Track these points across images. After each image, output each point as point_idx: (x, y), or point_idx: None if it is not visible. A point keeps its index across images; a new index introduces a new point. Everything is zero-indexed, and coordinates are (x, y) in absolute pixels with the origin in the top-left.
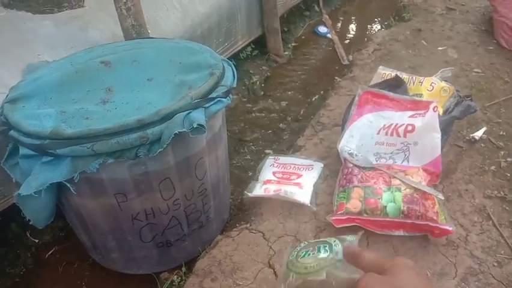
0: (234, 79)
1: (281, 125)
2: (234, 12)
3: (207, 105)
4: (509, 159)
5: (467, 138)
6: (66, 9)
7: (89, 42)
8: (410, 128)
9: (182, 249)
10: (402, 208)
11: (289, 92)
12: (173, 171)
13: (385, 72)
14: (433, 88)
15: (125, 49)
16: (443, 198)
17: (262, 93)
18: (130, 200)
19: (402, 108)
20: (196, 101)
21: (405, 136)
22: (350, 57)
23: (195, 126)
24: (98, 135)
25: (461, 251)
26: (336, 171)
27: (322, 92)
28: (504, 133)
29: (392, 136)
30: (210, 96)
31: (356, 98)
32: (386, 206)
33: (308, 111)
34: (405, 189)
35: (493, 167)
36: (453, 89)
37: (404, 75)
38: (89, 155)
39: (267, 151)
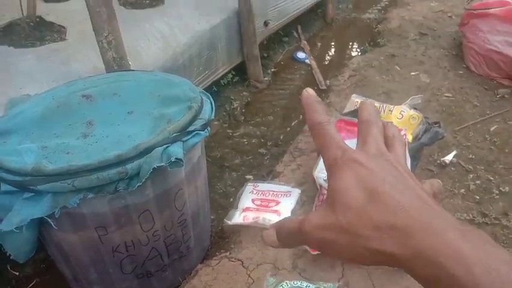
0: (211, 111)
1: (261, 150)
2: (215, 42)
3: (185, 138)
4: (478, 181)
5: (438, 162)
6: (48, 43)
7: (71, 75)
8: None
9: (163, 279)
10: None
11: (269, 117)
12: (153, 204)
13: (358, 100)
14: (402, 116)
15: (106, 82)
16: None
17: (243, 118)
18: (111, 233)
19: None
20: (174, 135)
21: None
22: (327, 82)
23: (172, 160)
24: (79, 171)
25: None
26: (313, 197)
27: (301, 116)
28: (473, 156)
29: None
30: (188, 129)
31: None
32: None
33: (287, 136)
34: None
35: (462, 190)
36: (421, 117)
37: (375, 104)
38: (70, 191)
39: (248, 177)
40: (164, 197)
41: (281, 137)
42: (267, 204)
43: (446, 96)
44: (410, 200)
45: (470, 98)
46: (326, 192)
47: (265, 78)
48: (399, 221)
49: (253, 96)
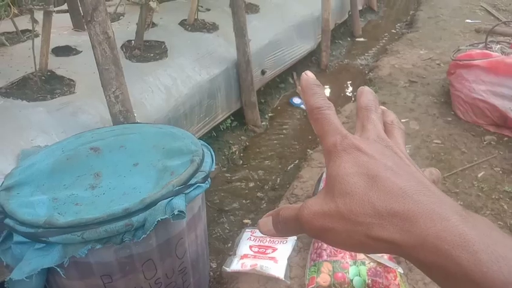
0: (212, 164)
1: (259, 194)
2: (214, 91)
3: (187, 191)
4: None
5: None
6: (58, 96)
7: (80, 126)
8: None
9: None
10: (367, 281)
11: (267, 161)
12: (156, 253)
13: None
14: None
15: (113, 134)
16: (402, 271)
17: (241, 162)
18: (115, 281)
19: None
20: (177, 188)
21: None
22: None
23: (175, 213)
24: (88, 224)
25: None
26: (309, 243)
27: (296, 161)
28: (461, 202)
29: None
30: (190, 182)
31: (324, 175)
32: (352, 280)
33: (284, 180)
34: (369, 263)
35: None
36: None
37: None
38: (80, 242)
39: (245, 221)
40: (166, 246)
41: (278, 181)
42: (264, 251)
43: (435, 142)
44: (413, 186)
45: (458, 145)
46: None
47: (263, 123)
48: (401, 207)
49: (251, 140)
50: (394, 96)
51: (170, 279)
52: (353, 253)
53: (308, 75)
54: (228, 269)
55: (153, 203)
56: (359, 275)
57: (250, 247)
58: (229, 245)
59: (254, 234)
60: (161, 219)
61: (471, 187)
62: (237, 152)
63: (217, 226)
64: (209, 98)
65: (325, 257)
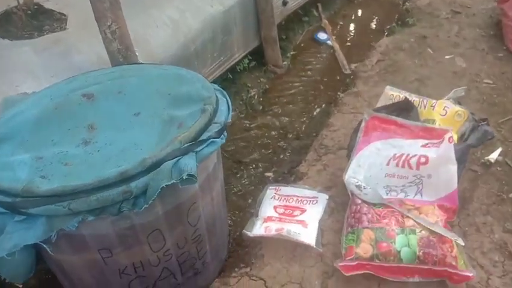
0: (228, 113)
1: (281, 143)
2: (229, 25)
3: (198, 149)
4: None
5: (482, 161)
6: (47, 33)
7: (72, 68)
8: (423, 159)
9: None
10: (418, 253)
11: (289, 106)
12: (163, 222)
13: (393, 93)
14: (446, 113)
15: (110, 78)
16: (463, 244)
17: (260, 107)
18: (116, 255)
19: (413, 136)
20: (186, 145)
21: (418, 168)
22: (352, 66)
23: (184, 178)
24: (76, 192)
25: None
26: (343, 203)
27: (324, 105)
28: None
29: (403, 168)
30: (202, 137)
31: (363, 124)
32: (400, 251)
33: (310, 128)
34: (420, 231)
35: (511, 195)
36: (468, 113)
37: (414, 98)
38: (66, 214)
39: (267, 174)
40: (176, 213)
41: (302, 129)
42: (291, 213)
43: (485, 82)
44: None
45: None
46: (359, 201)
47: (284, 63)
48: None
49: (272, 82)
50: (436, 29)
51: (183, 249)
52: (400, 218)
53: None
54: (249, 234)
55: (156, 164)
56: (408, 246)
57: (275, 208)
58: (250, 201)
59: (279, 192)
60: (166, 185)
61: None
62: (256, 96)
63: (235, 180)
64: (223, 34)
65: (366, 223)
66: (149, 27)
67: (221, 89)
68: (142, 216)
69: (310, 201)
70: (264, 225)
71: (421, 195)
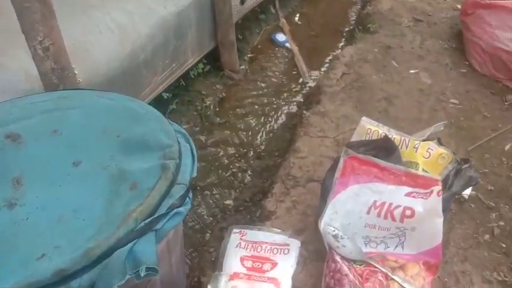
0: (193, 165)
1: (241, 163)
2: (183, 28)
3: (158, 226)
4: (501, 223)
5: (456, 197)
6: None
7: None
8: (408, 212)
9: None
10: None
11: (248, 118)
12: None
13: (370, 128)
14: (430, 155)
15: (42, 110)
16: None
17: (217, 119)
18: None
19: (396, 182)
20: (142, 224)
21: (402, 221)
22: (312, 74)
23: (142, 275)
24: None
25: None
26: (316, 252)
27: (284, 119)
28: (492, 187)
29: (385, 219)
30: (162, 209)
31: (340, 164)
32: None
33: (271, 146)
34: None
35: (486, 236)
36: (451, 156)
37: (394, 135)
38: None
39: (227, 202)
40: None
41: (263, 146)
42: (260, 267)
43: (452, 103)
44: None
45: (479, 106)
46: (338, 259)
47: (242, 67)
48: None
49: (228, 90)
50: (399, 39)
51: None
52: (384, 281)
53: None
54: None
55: (105, 255)
56: None
57: (242, 260)
58: (208, 236)
59: (245, 238)
60: (118, 285)
61: (500, 164)
62: (211, 106)
63: (190, 210)
64: (177, 38)
65: None
66: (90, 33)
67: (182, 131)
68: None
69: (281, 250)
70: (230, 283)
71: (402, 248)
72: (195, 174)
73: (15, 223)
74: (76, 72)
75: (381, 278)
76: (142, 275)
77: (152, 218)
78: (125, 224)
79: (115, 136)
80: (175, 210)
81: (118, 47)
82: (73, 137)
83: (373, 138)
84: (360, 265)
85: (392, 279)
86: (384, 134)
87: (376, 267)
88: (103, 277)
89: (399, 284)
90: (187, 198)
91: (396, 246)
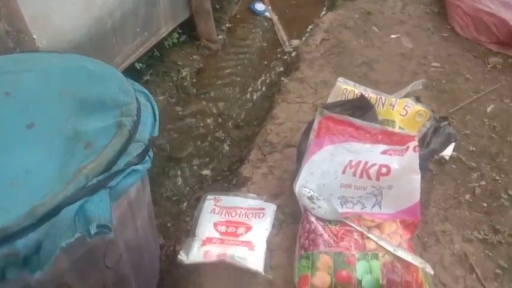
0: (154, 125)
1: (219, 133)
2: None
3: (112, 183)
4: (483, 182)
5: (436, 158)
6: None
7: None
8: (384, 170)
9: None
10: (381, 281)
11: (226, 89)
12: (71, 273)
13: (346, 88)
14: (407, 113)
15: None
16: (432, 272)
17: (194, 90)
18: None
19: (372, 140)
20: (94, 180)
21: (378, 179)
22: (293, 43)
23: (92, 232)
24: None
25: None
26: (293, 214)
27: (264, 89)
28: (474, 148)
29: (361, 178)
30: (117, 166)
31: (315, 124)
32: (361, 280)
33: (250, 115)
34: (383, 256)
35: (467, 196)
36: (429, 113)
37: (370, 94)
38: None
39: (205, 172)
40: (88, 261)
41: (242, 116)
42: (234, 232)
43: (434, 66)
44: None
45: (460, 69)
46: (313, 219)
47: (219, 37)
48: None
49: (206, 60)
50: (380, 4)
51: None
52: (360, 239)
53: None
54: (185, 260)
55: (52, 213)
56: (371, 273)
57: (216, 225)
58: (185, 206)
59: (219, 204)
60: (66, 243)
61: (481, 125)
62: (188, 77)
63: (167, 181)
64: (147, 5)
65: (322, 247)
66: None
67: (144, 90)
68: (40, 273)
69: (256, 214)
70: (203, 248)
71: (379, 208)
72: (156, 134)
73: None
74: (35, 37)
75: (356, 237)
76: (93, 232)
77: (105, 175)
78: (75, 180)
79: (71, 97)
80: (132, 167)
81: (83, 13)
82: (26, 99)
83: (349, 99)
84: (335, 225)
85: (368, 237)
86: (360, 93)
87: (352, 227)
88: (51, 236)
89: (375, 242)
90: (147, 157)
91: (373, 206)
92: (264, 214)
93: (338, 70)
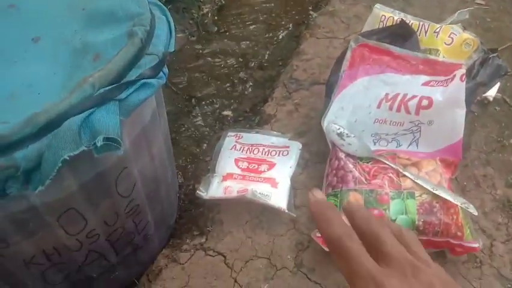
0: (170, 37)
1: (242, 74)
2: None
3: (122, 95)
4: None
5: (479, 99)
6: None
7: None
8: (425, 102)
9: (112, 281)
10: (416, 222)
11: (251, 27)
12: (79, 198)
13: (384, 14)
14: (453, 41)
15: None
16: (476, 213)
17: (215, 28)
18: (15, 245)
19: (412, 71)
20: (102, 90)
21: (417, 113)
22: None
23: (99, 143)
24: None
25: (486, 270)
26: (319, 154)
27: (291, 27)
28: None
29: (398, 112)
30: (128, 77)
31: (348, 53)
32: (395, 220)
33: (275, 55)
34: (420, 195)
35: None
36: (478, 42)
37: (411, 21)
38: None
39: (226, 113)
40: (98, 185)
41: (266, 56)
42: (256, 168)
43: (477, 3)
44: None
45: (508, 7)
46: (342, 155)
47: None
48: None
49: None
50: None
51: (114, 226)
52: (394, 176)
53: (316, 196)
54: (204, 195)
55: (55, 123)
56: (406, 213)
57: (236, 161)
58: (205, 146)
59: (240, 141)
60: (70, 156)
61: None
62: (209, 14)
63: (187, 120)
64: None
65: (352, 184)
66: None
67: (159, 3)
68: (45, 194)
69: (279, 152)
70: (223, 184)
71: (417, 146)
72: (172, 49)
73: None
74: None
75: (391, 174)
76: (99, 144)
77: (114, 85)
78: (80, 89)
79: (80, 9)
80: (144, 80)
81: None
82: (32, 12)
83: (387, 26)
84: (367, 162)
85: (404, 175)
86: (400, 20)
87: (386, 164)
88: (53, 147)
89: (412, 180)
90: (161, 73)
91: (409, 144)
92: (288, 152)
93: (372, 4)
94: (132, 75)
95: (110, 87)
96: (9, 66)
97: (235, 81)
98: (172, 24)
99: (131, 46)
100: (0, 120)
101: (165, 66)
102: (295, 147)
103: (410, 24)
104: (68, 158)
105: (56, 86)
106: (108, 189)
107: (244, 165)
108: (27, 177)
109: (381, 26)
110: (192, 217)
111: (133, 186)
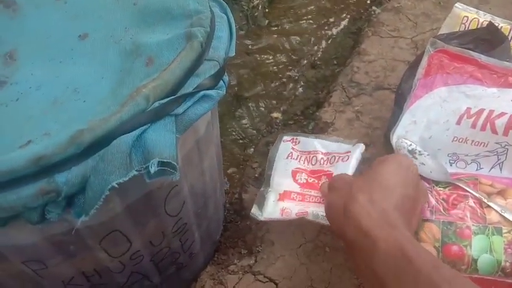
0: (231, 39)
1: (292, 72)
2: None
3: (179, 110)
4: None
5: None
6: None
7: None
8: None
9: None
10: (503, 263)
11: (302, 22)
12: (124, 220)
13: (467, 15)
14: None
15: None
16: None
17: (266, 22)
18: (53, 267)
19: (501, 84)
20: (157, 104)
21: (506, 134)
22: None
23: (153, 170)
24: None
25: None
26: None
27: (347, 22)
28: None
29: (483, 131)
30: (185, 89)
31: (424, 59)
32: (477, 260)
33: (329, 53)
34: (509, 231)
35: None
36: None
37: (501, 24)
38: None
39: (275, 115)
40: (146, 206)
41: (319, 54)
42: (316, 183)
43: None
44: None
45: None
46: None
47: None
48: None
49: None
50: None
51: (160, 245)
52: (478, 209)
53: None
54: (260, 216)
55: (101, 142)
56: (490, 252)
57: (294, 174)
58: (252, 150)
59: (297, 147)
60: (118, 183)
61: None
62: (260, 7)
63: (233, 121)
64: None
65: (428, 214)
66: None
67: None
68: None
69: (340, 157)
70: (280, 205)
71: (500, 170)
72: (232, 54)
73: (2, 104)
74: None
75: (473, 204)
76: (153, 170)
77: (171, 98)
78: (132, 102)
79: (131, 4)
80: (204, 92)
81: None
82: (80, 5)
83: (470, 29)
84: (444, 188)
85: (488, 206)
86: (488, 22)
87: (467, 191)
88: (99, 172)
89: (498, 212)
90: (221, 82)
91: (492, 167)
92: (348, 157)
93: (442, 1)
94: (190, 86)
95: (166, 100)
96: (55, 66)
97: (285, 80)
98: (234, 24)
99: (190, 51)
100: (45, 130)
101: (226, 74)
102: (358, 150)
103: (499, 27)
104: (116, 186)
105: (104, 93)
106: (155, 209)
107: (303, 179)
108: (69, 201)
109: (462, 29)
110: (238, 229)
111: (182, 205)
